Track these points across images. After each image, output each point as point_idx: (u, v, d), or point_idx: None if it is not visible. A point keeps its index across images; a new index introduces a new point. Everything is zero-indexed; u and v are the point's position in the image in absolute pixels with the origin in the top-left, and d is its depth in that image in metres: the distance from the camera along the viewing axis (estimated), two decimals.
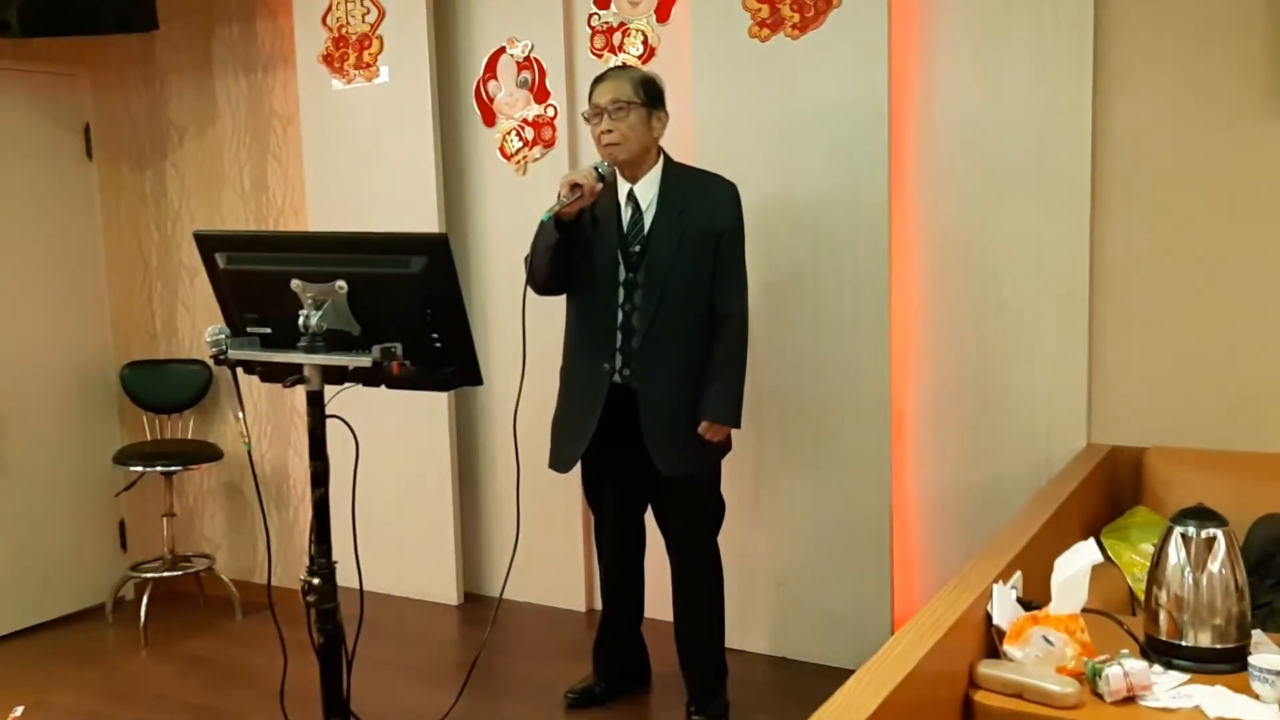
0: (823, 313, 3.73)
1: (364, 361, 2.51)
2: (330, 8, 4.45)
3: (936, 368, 3.69)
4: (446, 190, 4.41)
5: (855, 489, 3.74)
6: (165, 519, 4.77)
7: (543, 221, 3.05)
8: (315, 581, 2.69)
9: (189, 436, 4.96)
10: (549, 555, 4.37)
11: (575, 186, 3.06)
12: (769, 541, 3.92)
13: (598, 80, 3.22)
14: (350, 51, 4.42)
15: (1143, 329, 3.42)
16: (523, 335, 2.93)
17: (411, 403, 4.30)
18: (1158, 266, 3.38)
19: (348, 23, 4.41)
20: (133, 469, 4.66)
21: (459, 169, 4.46)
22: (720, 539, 3.43)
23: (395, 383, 2.66)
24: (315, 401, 2.68)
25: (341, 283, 2.58)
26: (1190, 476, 3.21)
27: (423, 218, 4.33)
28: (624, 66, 3.27)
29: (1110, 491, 3.36)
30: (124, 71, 5.04)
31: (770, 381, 3.81)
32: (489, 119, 4.34)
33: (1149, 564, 3.02)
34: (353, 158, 4.49)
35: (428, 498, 4.53)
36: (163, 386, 4.93)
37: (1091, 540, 2.23)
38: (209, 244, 2.76)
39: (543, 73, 4.18)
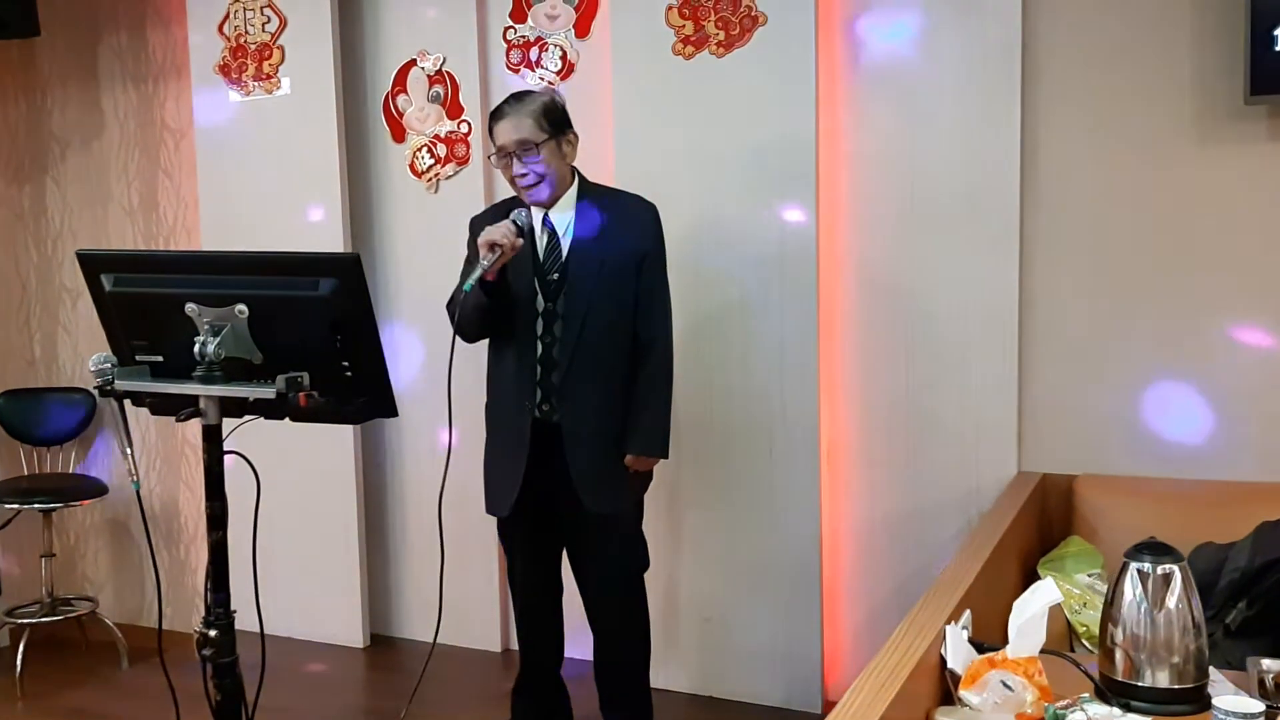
0: (749, 340, 3.62)
1: (267, 393, 2.30)
2: (228, 16, 4.21)
3: (865, 396, 3.61)
4: (353, 209, 4.20)
5: (783, 520, 3.63)
6: (44, 559, 4.43)
7: (465, 290, 2.83)
8: (212, 634, 2.45)
9: (70, 470, 4.64)
10: (463, 595, 4.15)
11: (494, 246, 2.88)
12: (694, 575, 3.78)
13: (495, 117, 3.02)
14: (249, 62, 4.19)
15: (1072, 357, 3.38)
16: (448, 399, 2.72)
17: (313, 435, 4.05)
18: (1086, 294, 3.35)
19: (246, 32, 4.18)
20: (7, 506, 4.32)
21: (366, 187, 4.25)
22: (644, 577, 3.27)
23: (302, 415, 2.45)
24: (212, 437, 2.45)
25: (242, 307, 2.37)
26: (1122, 505, 3.18)
27: (327, 238, 4.11)
28: (519, 96, 3.06)
29: (1042, 521, 3.31)
30: (1, 80, 4.71)
31: (695, 410, 3.68)
32: (398, 134, 4.14)
33: (1085, 595, 3.00)
34: (251, 174, 4.24)
35: (331, 535, 4.28)
36: (41, 417, 4.60)
37: (1050, 580, 2.13)
38: (94, 264, 2.52)
39: (455, 87, 4.01)
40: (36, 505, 4.31)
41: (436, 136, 4.06)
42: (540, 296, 3.06)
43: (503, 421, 3.15)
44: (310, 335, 2.36)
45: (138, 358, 2.52)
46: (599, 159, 3.65)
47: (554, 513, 3.15)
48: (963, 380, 3.47)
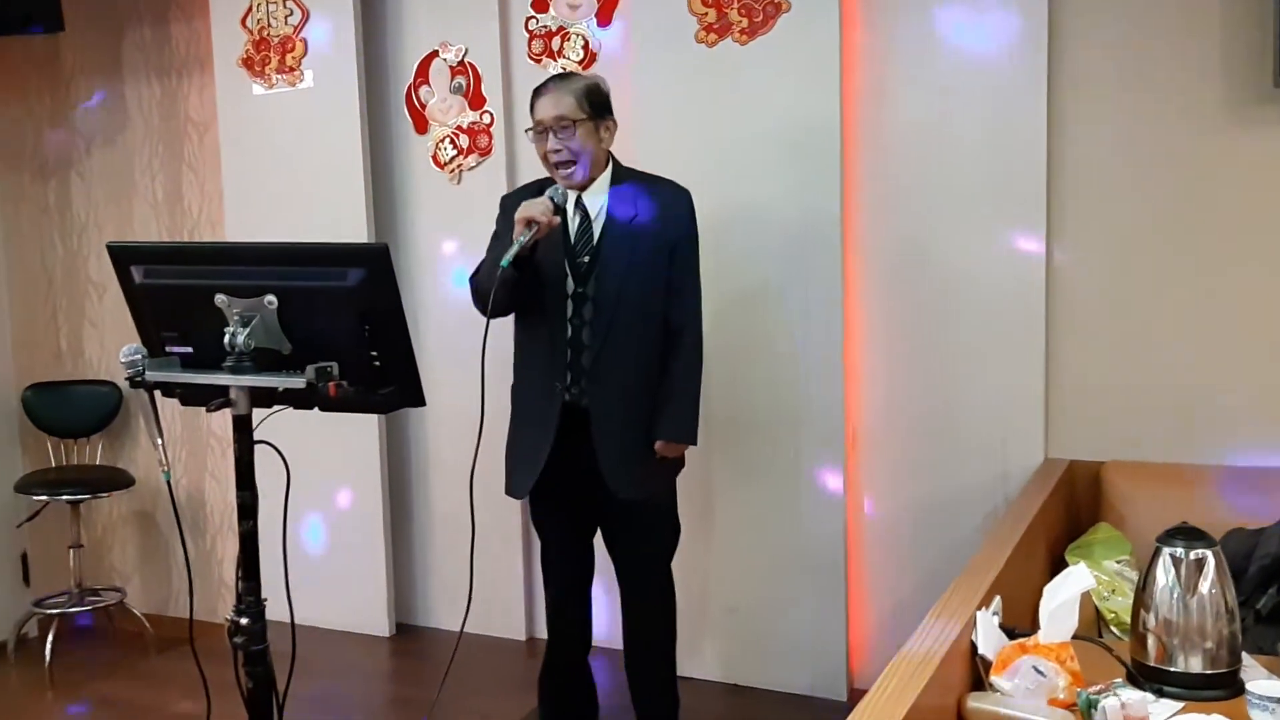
0: (773, 326, 3.61)
1: (297, 383, 2.31)
2: (250, 9, 4.22)
3: (891, 383, 3.60)
4: (376, 200, 4.21)
5: (809, 509, 3.62)
6: (72, 550, 4.47)
7: (502, 267, 2.82)
8: (243, 622, 2.47)
9: (97, 462, 4.67)
10: (489, 583, 4.17)
11: (531, 222, 2.88)
12: (720, 564, 3.78)
13: (537, 93, 3.04)
14: (272, 55, 4.20)
15: (1099, 341, 3.36)
16: (481, 380, 2.72)
17: (339, 424, 4.08)
18: (1114, 280, 3.33)
19: (269, 24, 4.19)
20: (36, 498, 4.36)
21: (389, 178, 4.26)
22: (672, 562, 3.28)
23: (331, 405, 2.47)
24: (242, 427, 2.46)
25: (271, 298, 2.38)
26: (1150, 491, 3.16)
27: (350, 229, 4.12)
28: (565, 76, 3.09)
29: (1070, 508, 3.29)
30: (25, 75, 4.74)
31: (720, 398, 3.68)
32: (421, 126, 4.15)
33: (1113, 581, 2.98)
34: (275, 167, 4.26)
35: (357, 524, 4.30)
36: (69, 410, 4.63)
37: (1082, 565, 2.12)
38: (124, 256, 2.53)
39: (478, 78, 4.01)
40: (64, 497, 4.35)
41: (459, 127, 4.07)
42: (570, 279, 3.06)
43: (529, 402, 3.15)
44: (339, 325, 2.37)
45: (168, 349, 2.54)
46: (622, 147, 3.63)
47: (585, 497, 3.15)
48: (989, 366, 3.45)
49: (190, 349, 2.51)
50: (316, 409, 2.46)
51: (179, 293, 2.47)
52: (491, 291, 2.89)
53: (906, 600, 3.59)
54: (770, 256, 3.58)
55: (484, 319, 3.03)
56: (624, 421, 3.06)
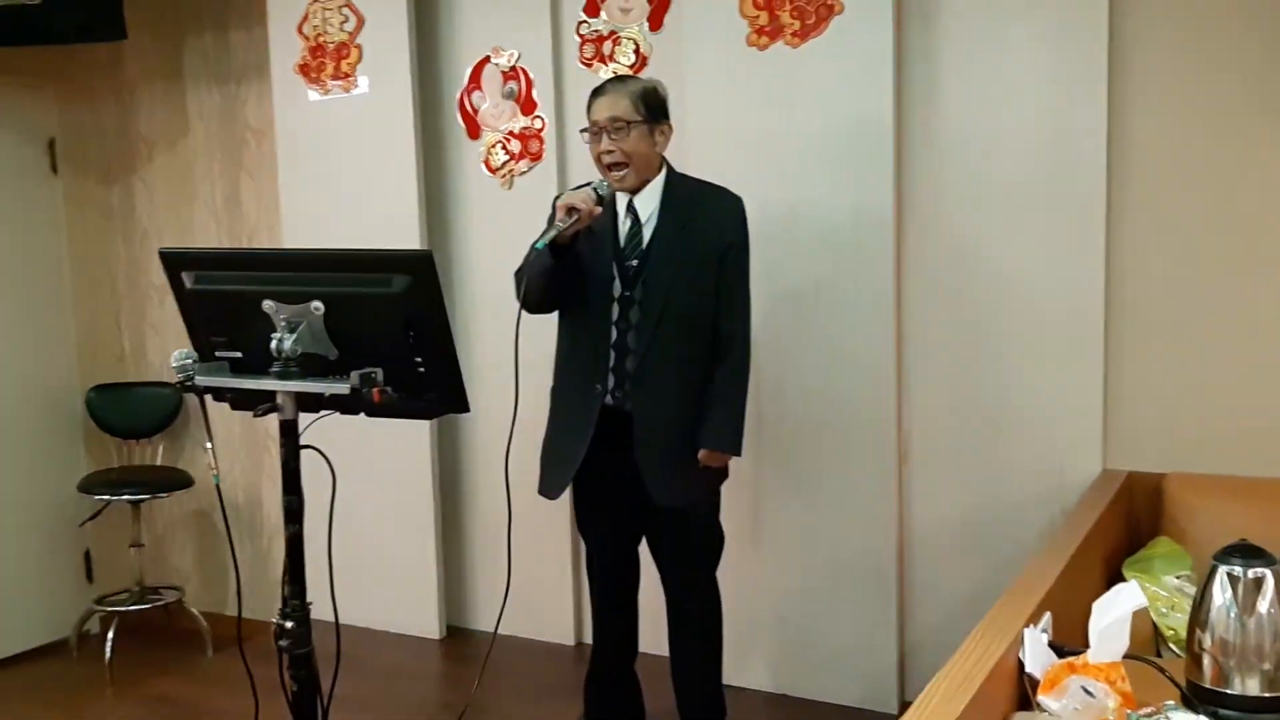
0: (823, 330, 3.57)
1: (342, 388, 2.33)
2: (306, 16, 4.27)
3: (945, 389, 3.53)
4: (429, 206, 4.23)
5: (860, 517, 3.57)
6: (133, 549, 4.55)
7: (536, 248, 2.83)
8: (288, 625, 2.50)
9: (158, 463, 4.75)
10: (536, 587, 4.17)
11: (572, 210, 2.87)
12: (770, 573, 3.74)
13: (595, 94, 3.04)
14: (328, 61, 4.24)
15: (1161, 348, 3.27)
16: (515, 365, 2.73)
17: (390, 428, 4.09)
18: (1177, 283, 3.24)
19: (325, 31, 4.23)
20: (98, 497, 4.44)
21: (441, 183, 4.28)
22: (719, 570, 3.25)
23: (376, 410, 2.48)
24: (289, 431, 2.49)
25: (318, 304, 2.41)
26: (1213, 505, 3.07)
27: (403, 234, 4.15)
28: (623, 78, 3.09)
29: (1129, 521, 3.21)
30: (92, 82, 4.84)
31: (770, 405, 3.65)
32: (473, 131, 4.16)
33: (1173, 598, 2.90)
34: (330, 172, 4.30)
35: (408, 526, 4.33)
36: (130, 411, 4.72)
37: (1134, 583, 2.07)
38: (176, 262, 2.58)
39: (530, 83, 4.02)
40: (125, 497, 4.43)
41: (511, 133, 4.07)
42: (618, 281, 3.05)
43: (570, 403, 3.14)
44: (384, 331, 2.39)
45: (217, 354, 2.57)
46: (672, 151, 3.62)
47: (626, 503, 3.14)
48: (1045, 372, 3.38)
49: (240, 354, 2.54)
50: (362, 414, 2.49)
51: (228, 298, 2.50)
52: (525, 278, 2.89)
53: (959, 612, 3.52)
54: (821, 259, 3.54)
55: (537, 319, 3.04)
56: (667, 428, 3.04)
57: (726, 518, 3.26)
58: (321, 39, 4.25)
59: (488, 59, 4.09)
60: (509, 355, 4.01)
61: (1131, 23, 3.22)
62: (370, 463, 4.20)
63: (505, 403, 2.87)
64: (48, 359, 4.66)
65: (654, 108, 3.00)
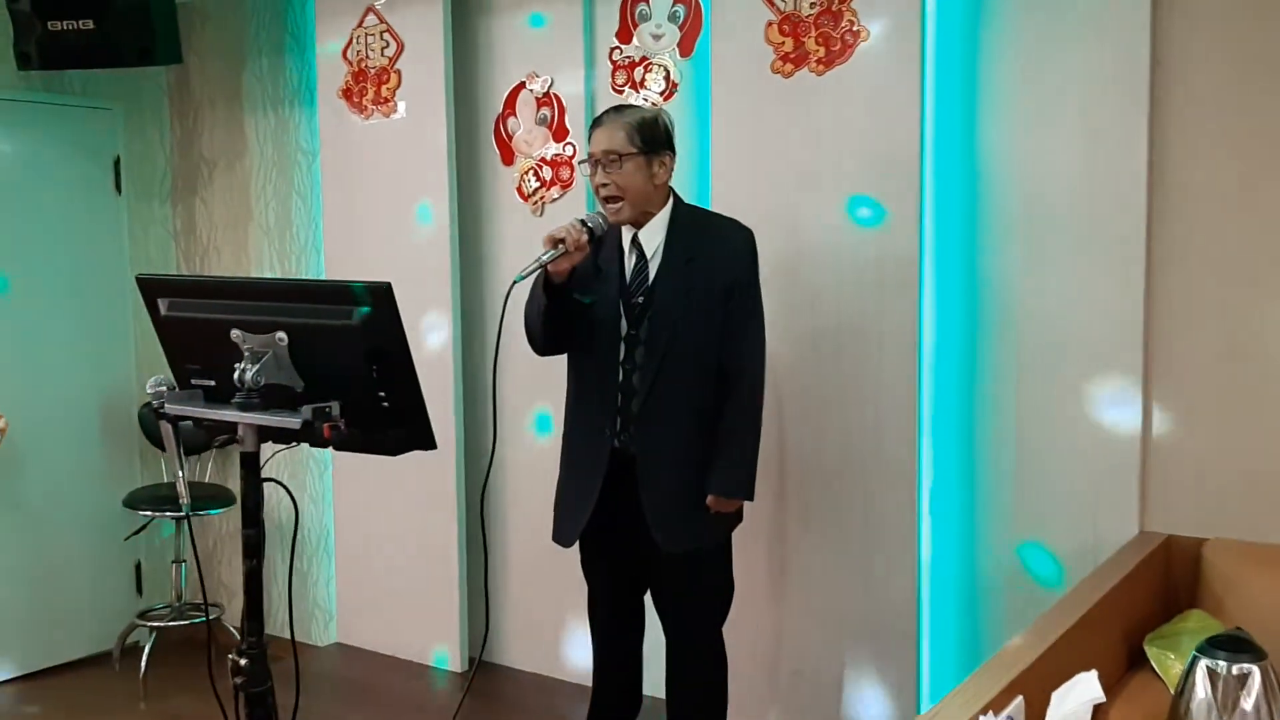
0: (846, 372, 3.39)
1: (292, 423, 2.28)
2: (351, 40, 4.29)
3: (969, 434, 3.32)
4: (462, 232, 4.19)
5: (880, 569, 3.38)
6: (174, 565, 4.62)
7: (515, 281, 2.74)
8: (243, 663, 2.46)
9: (206, 479, 4.82)
10: (559, 623, 4.08)
11: (556, 243, 2.79)
12: (788, 623, 3.57)
13: (594, 124, 2.97)
14: (369, 86, 4.25)
15: (1207, 400, 3.00)
16: (493, 399, 2.66)
17: (418, 454, 4.06)
18: (1224, 330, 2.98)
19: (367, 56, 4.24)
20: (142, 513, 4.52)
21: (475, 210, 4.24)
22: (732, 618, 3.10)
23: (344, 445, 2.45)
24: (249, 464, 2.46)
25: (282, 334, 2.38)
26: (1256, 577, 2.80)
27: (436, 261, 4.12)
28: (621, 108, 3.00)
29: (1162, 589, 2.95)
30: (159, 104, 4.96)
31: (791, 446, 3.49)
32: (507, 158, 4.11)
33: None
34: (369, 197, 4.31)
35: (432, 555, 4.28)
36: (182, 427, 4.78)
37: (1093, 673, 1.86)
38: (151, 289, 2.58)
39: (562, 109, 3.95)
40: (168, 514, 4.49)
41: (543, 159, 4.01)
42: (624, 320, 2.95)
43: (579, 448, 3.05)
44: (347, 364, 2.34)
45: (193, 381, 2.57)
46: (693, 181, 3.53)
47: (631, 549, 3.02)
48: (1079, 420, 3.14)
49: (213, 382, 2.53)
50: (331, 448, 2.45)
51: (199, 326, 2.50)
52: (526, 317, 2.78)
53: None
54: (843, 297, 3.37)
55: (563, 356, 2.97)
56: (673, 471, 2.92)
57: (742, 563, 3.12)
58: (364, 63, 4.26)
59: (523, 85, 4.04)
60: (541, 386, 3.99)
61: (1177, 52, 2.98)
62: (399, 482, 4.18)
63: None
64: (108, 373, 4.77)
65: (651, 139, 2.89)
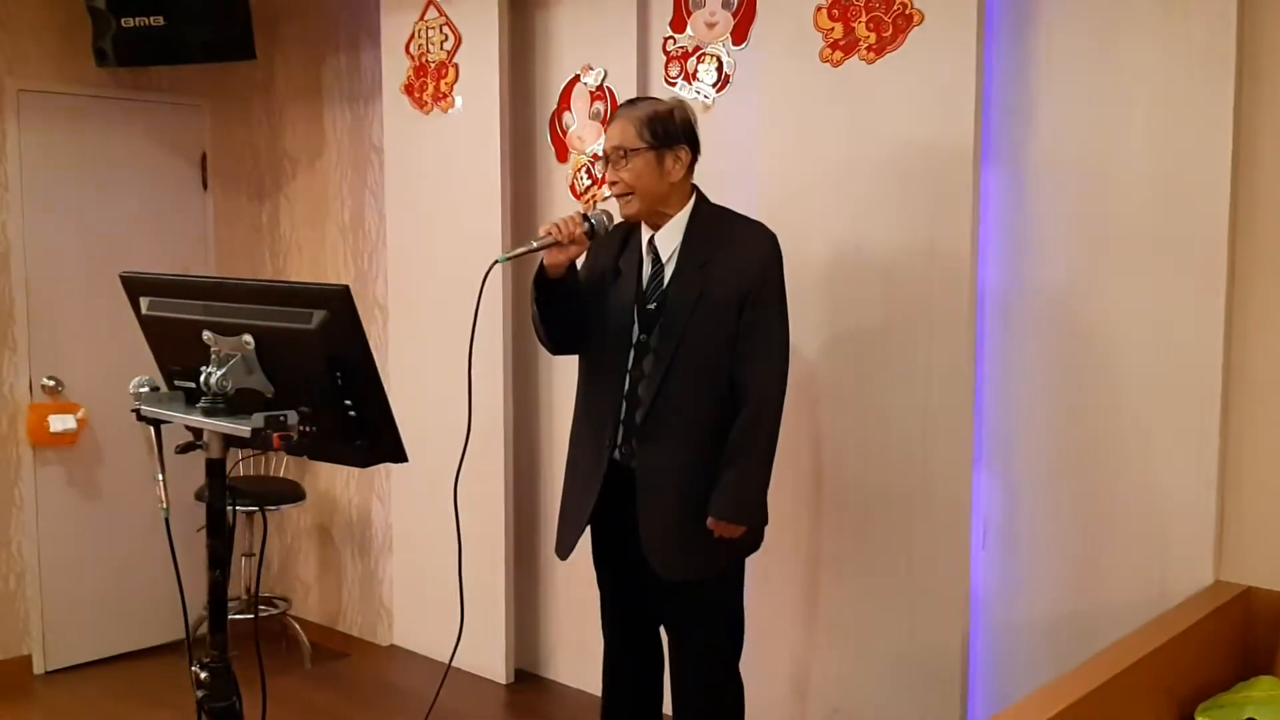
0: (890, 388, 3.11)
1: (242, 431, 2.18)
2: (413, 35, 4.21)
3: (1029, 465, 3.00)
4: (515, 230, 4.06)
5: (925, 606, 3.09)
6: (244, 559, 4.65)
7: (495, 262, 2.65)
8: (203, 676, 2.38)
9: (281, 474, 4.84)
10: (593, 637, 3.88)
11: (549, 232, 2.64)
12: (826, 658, 3.30)
13: (611, 119, 2.81)
14: (429, 81, 4.17)
15: None
16: (469, 395, 2.52)
17: (470, 460, 3.97)
18: None
19: (427, 50, 4.16)
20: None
21: (529, 208, 4.10)
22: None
23: (316, 454, 2.37)
24: (215, 471, 2.38)
25: (248, 337, 2.29)
26: None
27: (488, 259, 3.99)
28: (636, 101, 2.83)
29: (1235, 648, 2.58)
30: (247, 101, 5.01)
31: (828, 470, 3.22)
32: (562, 154, 3.96)
33: None
34: (429, 193, 4.23)
35: (481, 564, 4.16)
36: None
37: None
38: (134, 287, 2.53)
39: (614, 103, 3.77)
40: (236, 507, 4.50)
41: (595, 155, 3.85)
42: (637, 327, 2.77)
43: (581, 458, 2.91)
44: (310, 370, 2.24)
45: (176, 383, 2.51)
46: (740, 177, 3.31)
47: (637, 574, 2.83)
48: (1150, 454, 2.78)
49: (194, 384, 2.46)
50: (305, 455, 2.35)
51: (176, 326, 2.44)
52: (480, 290, 2.68)
53: None
54: (889, 304, 3.09)
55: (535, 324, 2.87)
56: (674, 492, 2.72)
57: (773, 590, 2.89)
58: (424, 58, 4.18)
59: (577, 78, 3.88)
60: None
61: (1267, 36, 2.60)
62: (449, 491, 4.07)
63: None
64: None
65: (664, 133, 2.69)
